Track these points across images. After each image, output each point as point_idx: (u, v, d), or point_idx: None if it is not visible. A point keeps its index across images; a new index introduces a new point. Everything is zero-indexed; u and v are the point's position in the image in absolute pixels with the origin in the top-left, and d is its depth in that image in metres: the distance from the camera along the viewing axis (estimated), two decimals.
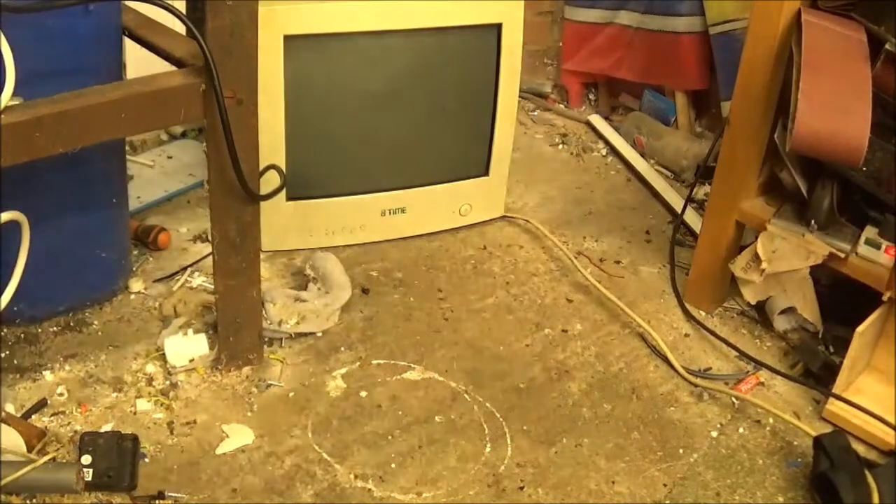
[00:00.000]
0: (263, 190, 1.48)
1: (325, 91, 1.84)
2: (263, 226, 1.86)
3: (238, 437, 1.49)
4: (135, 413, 1.51)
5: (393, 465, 1.47)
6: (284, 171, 1.73)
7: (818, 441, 1.50)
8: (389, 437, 1.53)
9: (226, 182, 1.42)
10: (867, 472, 1.45)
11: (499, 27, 1.91)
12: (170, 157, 2.22)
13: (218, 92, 1.30)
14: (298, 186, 1.86)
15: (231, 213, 1.46)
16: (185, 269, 1.85)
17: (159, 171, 2.16)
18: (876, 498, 1.41)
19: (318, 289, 1.77)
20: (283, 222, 1.91)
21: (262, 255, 1.63)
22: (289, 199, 1.87)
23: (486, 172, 2.09)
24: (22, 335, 1.63)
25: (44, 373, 1.56)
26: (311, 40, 1.76)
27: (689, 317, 1.90)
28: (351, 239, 2.00)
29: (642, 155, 2.52)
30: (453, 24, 1.88)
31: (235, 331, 1.57)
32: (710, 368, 1.76)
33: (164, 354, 1.59)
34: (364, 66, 1.86)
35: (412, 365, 1.69)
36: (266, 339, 1.67)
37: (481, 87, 1.98)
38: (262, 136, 1.67)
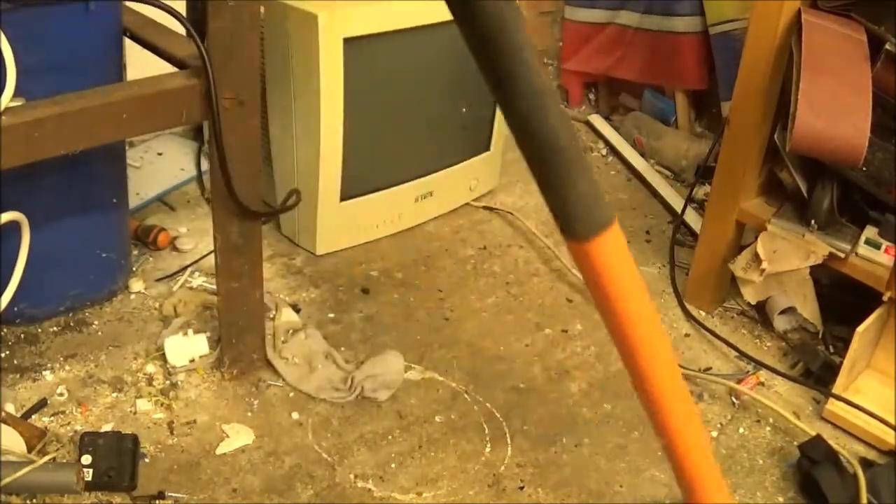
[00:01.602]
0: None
1: (374, 89, 1.88)
2: (320, 230, 1.92)
3: (238, 437, 1.49)
4: (135, 413, 1.51)
5: (393, 465, 1.48)
6: (341, 173, 1.84)
7: (800, 449, 1.51)
8: (389, 437, 1.53)
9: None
10: (857, 465, 1.48)
11: None
12: (160, 154, 2.21)
13: (214, 96, 1.30)
14: (352, 186, 1.91)
15: (233, 217, 1.45)
16: (185, 268, 1.85)
17: (152, 168, 2.16)
18: (863, 484, 1.42)
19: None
20: (337, 223, 1.94)
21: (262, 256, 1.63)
22: (342, 199, 1.91)
23: (488, 147, 2.20)
24: (22, 335, 1.63)
25: (44, 373, 1.56)
26: (365, 41, 1.79)
27: (689, 317, 1.90)
28: (392, 228, 2.06)
29: (642, 155, 2.52)
30: None
31: (238, 333, 1.57)
32: (711, 368, 1.76)
33: (164, 354, 1.59)
34: (404, 62, 1.92)
35: (412, 365, 1.69)
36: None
37: None
38: (324, 143, 1.78)
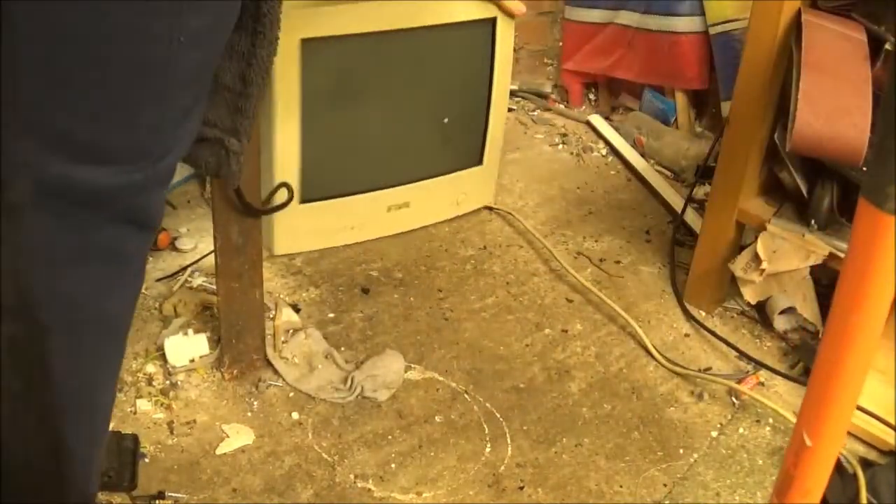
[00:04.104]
0: (274, 200, 1.49)
1: (336, 92, 1.85)
2: (277, 231, 1.88)
3: (238, 437, 1.49)
4: (135, 413, 1.51)
5: (393, 465, 1.48)
6: (299, 175, 1.78)
7: None
8: (389, 437, 1.53)
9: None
10: (857, 465, 1.48)
11: (493, 21, 1.97)
12: None
13: None
14: (311, 189, 1.88)
15: (233, 217, 1.45)
16: (185, 268, 1.85)
17: None
18: (863, 483, 1.42)
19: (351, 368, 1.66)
20: (296, 225, 1.92)
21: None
22: (302, 202, 1.88)
23: (479, 162, 2.13)
24: None
25: None
26: (325, 43, 1.77)
27: (689, 317, 1.90)
28: (359, 236, 2.01)
29: (642, 155, 2.52)
30: (454, 20, 1.92)
31: (238, 333, 1.57)
32: (710, 368, 1.76)
33: (164, 354, 1.59)
34: (373, 65, 1.88)
35: (412, 365, 1.69)
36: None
37: (477, 78, 2.03)
38: (278, 142, 1.71)
